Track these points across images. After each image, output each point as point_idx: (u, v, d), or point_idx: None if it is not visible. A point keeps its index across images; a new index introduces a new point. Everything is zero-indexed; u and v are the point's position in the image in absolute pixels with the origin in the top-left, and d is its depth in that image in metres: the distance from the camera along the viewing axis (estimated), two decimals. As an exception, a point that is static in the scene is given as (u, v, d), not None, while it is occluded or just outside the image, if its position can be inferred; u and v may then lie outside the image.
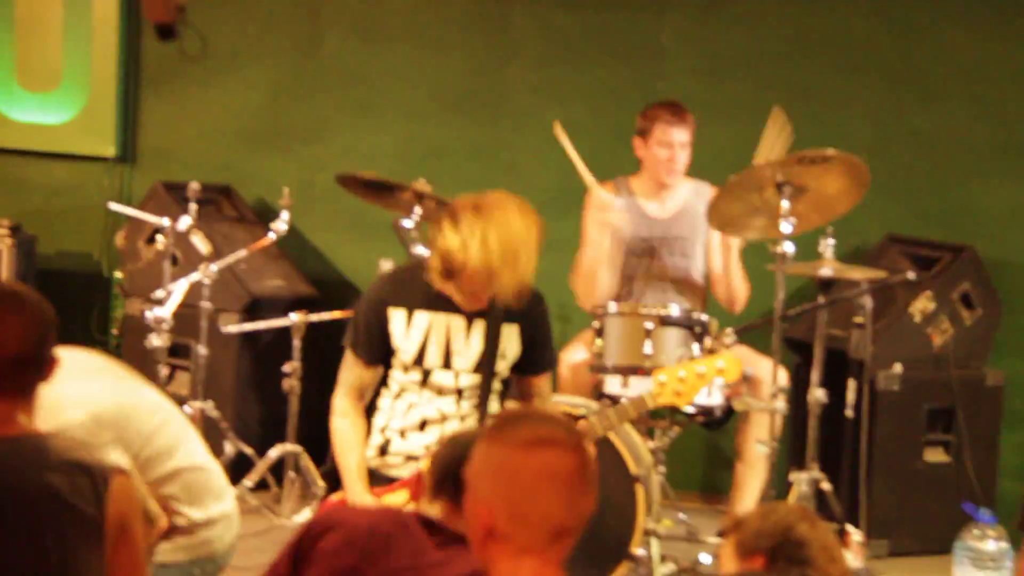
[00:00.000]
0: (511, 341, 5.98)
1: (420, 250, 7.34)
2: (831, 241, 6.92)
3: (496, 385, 6.07)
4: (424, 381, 5.94)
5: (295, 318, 7.94)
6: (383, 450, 5.90)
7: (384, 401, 5.96)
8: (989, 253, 8.35)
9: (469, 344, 5.98)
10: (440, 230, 5.72)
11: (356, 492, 5.89)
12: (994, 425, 8.25)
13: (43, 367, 3.65)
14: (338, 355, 6.44)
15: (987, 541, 7.30)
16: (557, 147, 8.08)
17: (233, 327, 8.41)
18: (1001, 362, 8.41)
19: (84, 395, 4.94)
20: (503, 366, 5.96)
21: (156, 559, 5.18)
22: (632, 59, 9.01)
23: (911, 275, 7.57)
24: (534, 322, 6.09)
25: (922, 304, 8.00)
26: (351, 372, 6.02)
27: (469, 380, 5.95)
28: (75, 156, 9.77)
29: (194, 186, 8.14)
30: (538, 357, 6.11)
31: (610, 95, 8.91)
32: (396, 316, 5.98)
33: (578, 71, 9.20)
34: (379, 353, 5.97)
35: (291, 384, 8.07)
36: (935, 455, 8.06)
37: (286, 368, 8.02)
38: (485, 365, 5.98)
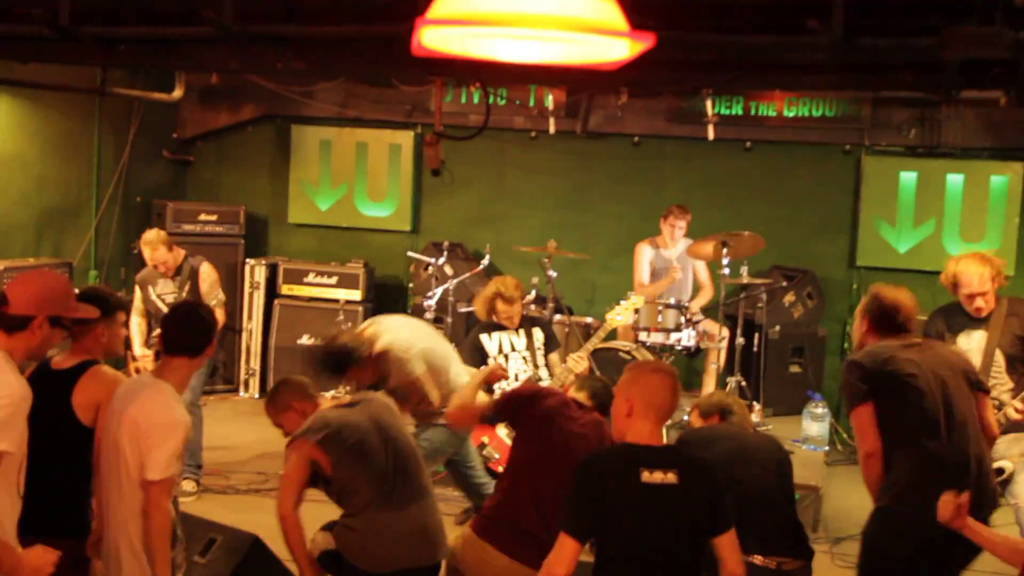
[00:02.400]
0: (537, 332, 8.06)
1: (551, 275, 9.34)
2: (746, 266, 9.32)
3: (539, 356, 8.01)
4: (506, 359, 7.89)
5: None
6: None
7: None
8: (818, 274, 10.60)
9: (520, 339, 8.00)
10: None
11: None
12: (822, 355, 10.51)
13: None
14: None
15: (818, 407, 9.31)
16: (621, 223, 10.78)
17: (464, 308, 10.32)
18: (825, 324, 10.63)
19: (413, 337, 6.77)
20: (539, 343, 8.03)
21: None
22: (647, 181, 11.22)
23: (783, 283, 10.18)
24: (543, 323, 8.33)
25: (789, 297, 10.22)
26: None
27: (525, 352, 7.97)
28: (393, 231, 11.87)
29: (445, 244, 10.63)
30: (552, 340, 8.20)
31: (640, 199, 11.04)
32: (483, 337, 7.99)
33: (620, 188, 11.35)
34: (479, 359, 7.77)
35: None
36: (794, 368, 10.26)
37: None
38: (532, 345, 8.01)
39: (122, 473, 4.42)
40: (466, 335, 10.38)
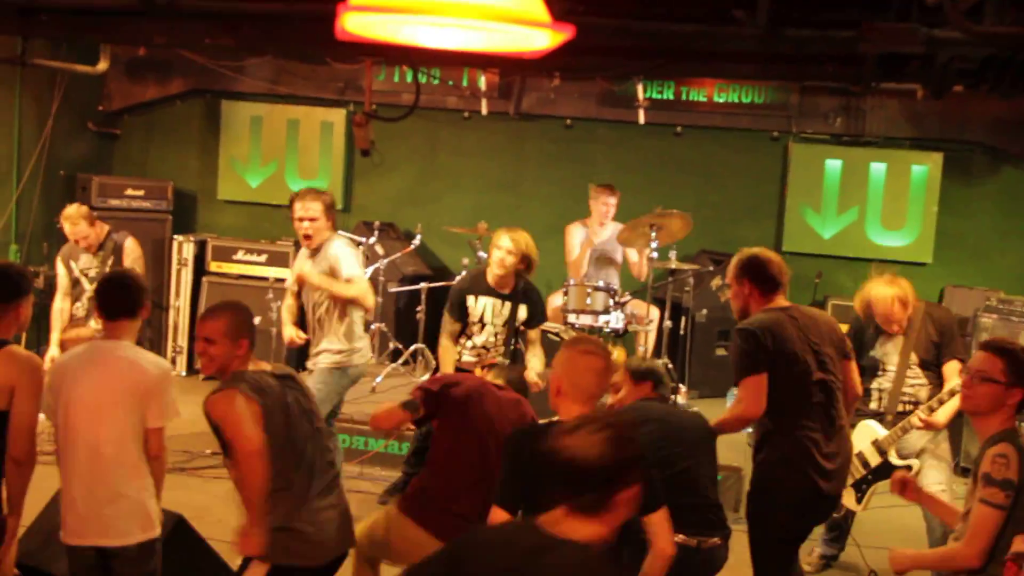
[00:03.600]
0: (522, 311, 7.73)
1: (481, 256, 9.46)
2: (674, 251, 9.18)
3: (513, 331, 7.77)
4: (481, 327, 7.66)
5: (423, 285, 10.06)
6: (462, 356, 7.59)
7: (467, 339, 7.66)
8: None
9: (503, 311, 7.67)
10: (497, 247, 7.57)
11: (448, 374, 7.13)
12: None
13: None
14: (440, 310, 8.50)
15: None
16: (553, 205, 10.70)
17: (394, 288, 10.38)
18: None
19: None
20: (519, 321, 7.76)
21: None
22: (578, 164, 11.18)
23: (710, 268, 10.19)
24: (534, 301, 7.80)
25: (716, 281, 10.25)
26: (448, 325, 7.68)
27: (501, 328, 7.67)
28: None
29: (376, 223, 10.45)
30: (534, 319, 7.84)
31: (571, 181, 10.87)
32: (470, 299, 7.65)
33: (552, 170, 11.40)
34: (461, 316, 7.63)
35: (420, 316, 9.92)
36: (720, 352, 10.24)
37: (418, 309, 9.96)
38: (510, 321, 7.71)
39: (110, 434, 4.58)
40: (395, 316, 10.68)
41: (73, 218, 8.36)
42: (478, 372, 7.08)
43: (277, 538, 4.57)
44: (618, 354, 7.50)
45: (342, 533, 4.89)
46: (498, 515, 4.18)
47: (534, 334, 7.85)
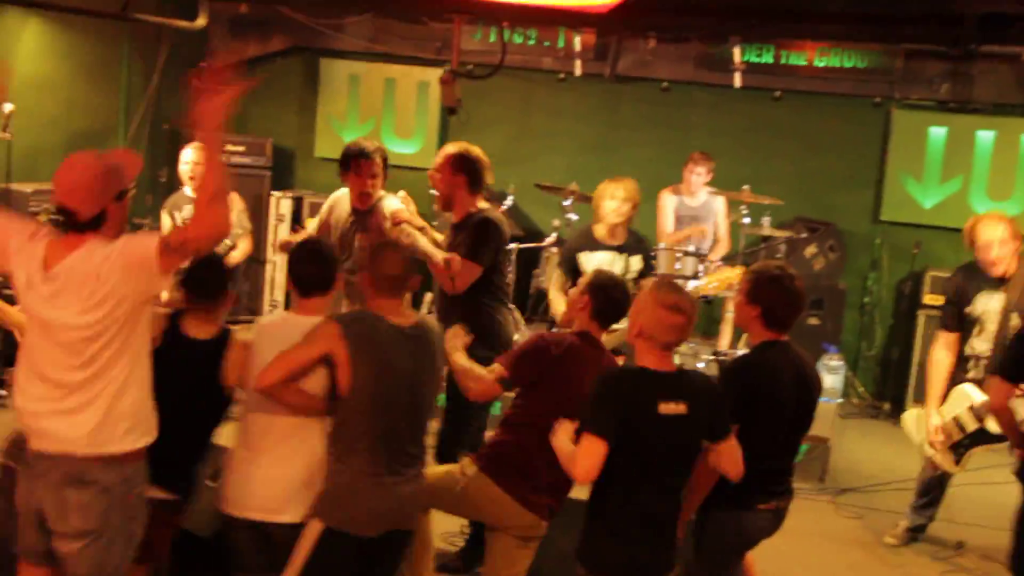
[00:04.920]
0: (635, 261, 7.48)
1: (571, 218, 9.45)
2: (768, 216, 9.25)
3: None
4: None
5: (514, 245, 9.55)
6: None
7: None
8: (841, 227, 10.51)
9: (616, 263, 7.38)
10: (611, 197, 7.32)
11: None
12: (841, 308, 10.35)
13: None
14: (530, 270, 9.17)
15: (833, 360, 9.69)
16: (646, 169, 10.13)
17: None
18: (845, 278, 10.53)
19: None
20: (633, 273, 7.42)
21: None
22: (674, 128, 11.15)
23: (805, 235, 10.10)
24: (647, 251, 7.64)
25: (811, 250, 10.19)
26: (559, 280, 7.52)
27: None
28: (419, 168, 10.73)
29: None
30: (649, 269, 7.59)
31: (666, 145, 10.94)
32: (581, 256, 7.42)
33: (647, 133, 11.31)
34: (574, 275, 7.06)
35: (511, 277, 9.37)
36: (813, 321, 10.02)
37: (509, 270, 9.32)
38: (624, 273, 7.34)
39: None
40: None
41: (195, 155, 8.28)
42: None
43: (337, 499, 4.49)
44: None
45: (406, 510, 4.72)
46: (595, 444, 4.14)
47: (645, 283, 7.45)
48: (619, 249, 7.45)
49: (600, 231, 7.50)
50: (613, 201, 7.34)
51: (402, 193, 6.81)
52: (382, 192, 6.88)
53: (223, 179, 3.99)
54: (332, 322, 4.46)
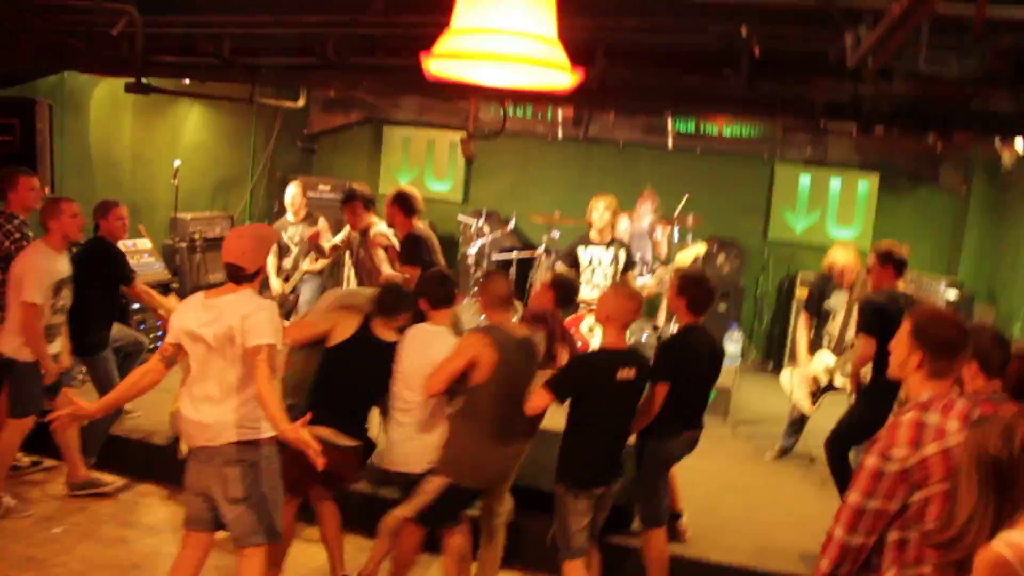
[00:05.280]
0: (622, 253, 7.28)
1: (554, 235, 9.40)
2: (690, 235, 9.38)
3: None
4: (592, 272, 7.15)
5: (514, 253, 9.87)
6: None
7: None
8: (741, 243, 10.43)
9: (606, 255, 7.18)
10: (595, 208, 7.12)
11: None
12: (740, 298, 10.19)
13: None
14: (526, 272, 9.02)
15: (734, 333, 9.66)
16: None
17: (495, 256, 10.14)
18: (744, 277, 10.39)
19: None
20: (620, 263, 7.23)
21: None
22: (628, 173, 10.70)
23: (714, 248, 11.00)
24: (628, 248, 7.40)
25: (721, 258, 10.08)
26: (559, 266, 7.32)
27: (608, 268, 7.14)
28: (450, 201, 11.64)
29: (484, 211, 10.70)
30: (631, 264, 7.36)
31: (622, 186, 9.78)
32: (579, 249, 7.24)
33: (609, 177, 10.79)
34: (573, 263, 7.19)
35: (512, 276, 9.25)
36: (722, 307, 9.82)
37: (510, 271, 9.57)
38: (615, 262, 7.20)
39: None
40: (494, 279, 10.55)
41: (296, 190, 8.39)
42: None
43: (460, 461, 4.40)
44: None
45: (508, 469, 4.63)
46: (544, 398, 4.25)
47: (629, 275, 7.47)
48: (607, 245, 7.34)
49: (592, 234, 7.36)
50: (597, 211, 7.25)
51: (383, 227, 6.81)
52: (374, 219, 6.88)
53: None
54: (479, 333, 4.37)
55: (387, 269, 6.58)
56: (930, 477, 2.62)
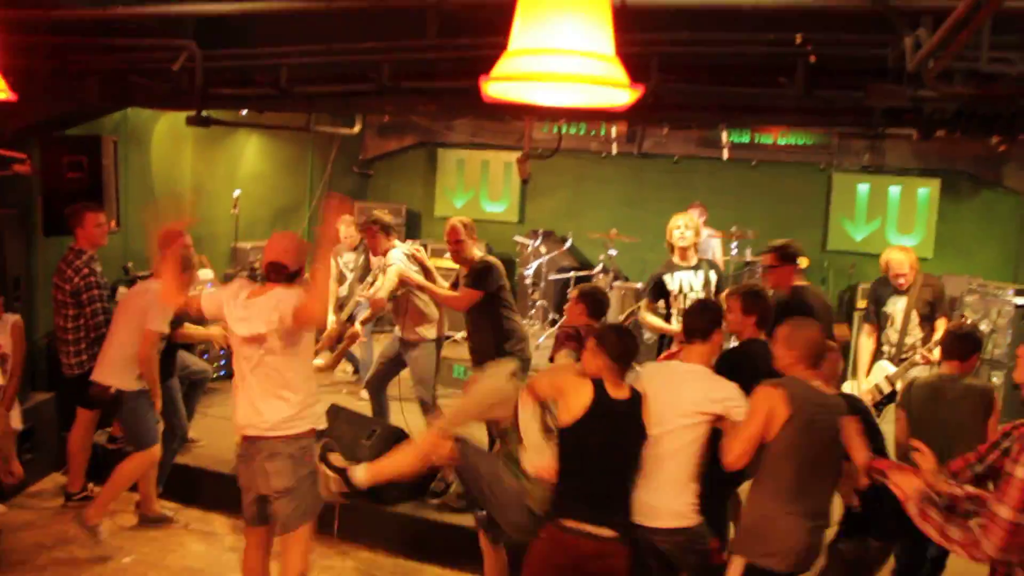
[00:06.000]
0: (712, 274, 6.16)
1: (611, 253, 9.85)
2: (749, 248, 9.36)
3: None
4: (684, 298, 6.03)
5: (572, 274, 10.03)
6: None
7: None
8: None
9: (695, 280, 6.09)
10: (676, 226, 6.09)
11: None
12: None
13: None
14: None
15: None
16: (664, 217, 10.55)
17: (552, 276, 10.20)
18: None
19: None
20: (712, 285, 6.12)
21: None
22: (682, 188, 10.74)
23: None
24: (718, 267, 6.29)
25: None
26: (646, 307, 6.16)
27: (700, 293, 6.04)
28: (505, 222, 11.81)
29: (540, 231, 10.73)
30: (722, 282, 6.21)
31: (677, 200, 10.01)
32: (666, 278, 6.08)
33: (664, 192, 11.02)
34: (661, 296, 6.11)
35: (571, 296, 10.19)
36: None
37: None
38: (707, 286, 6.09)
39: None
40: (554, 298, 10.52)
41: (346, 222, 8.46)
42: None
43: (758, 534, 3.77)
44: None
45: (815, 554, 3.88)
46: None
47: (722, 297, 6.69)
48: (694, 268, 6.25)
49: (675, 257, 6.29)
50: (678, 229, 6.24)
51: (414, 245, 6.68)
52: (396, 242, 6.60)
53: (326, 281, 4.03)
54: (773, 386, 3.75)
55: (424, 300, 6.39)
56: None
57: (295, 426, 4.08)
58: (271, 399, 4.06)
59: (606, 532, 3.73)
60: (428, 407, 6.32)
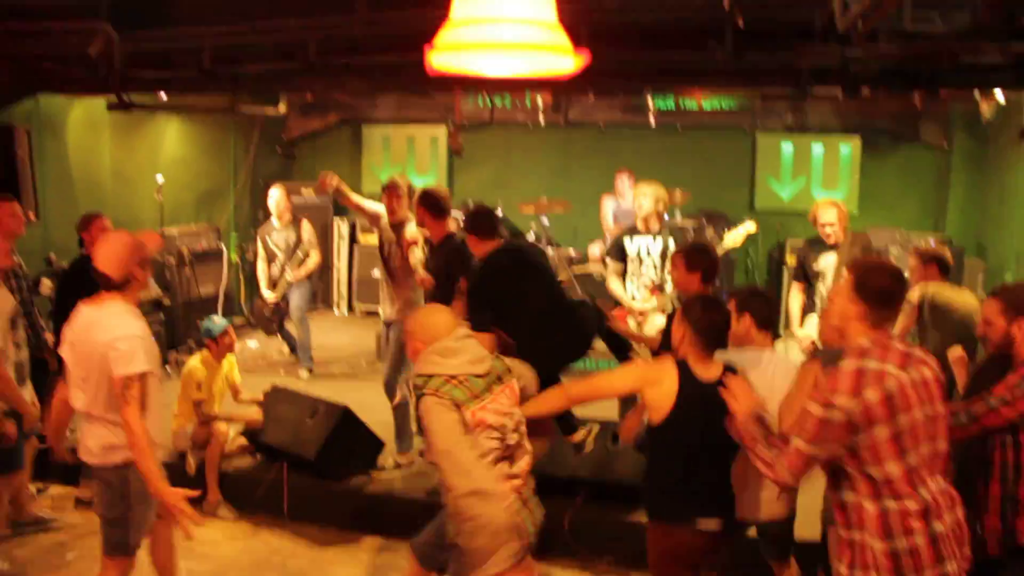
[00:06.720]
0: (671, 241, 6.29)
1: (543, 222, 9.96)
2: (679, 211, 9.58)
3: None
4: (640, 263, 6.29)
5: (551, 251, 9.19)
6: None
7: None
8: (729, 215, 10.23)
9: (655, 245, 6.32)
10: (644, 195, 6.23)
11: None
12: (731, 270, 10.14)
13: None
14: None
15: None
16: (591, 185, 10.45)
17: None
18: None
19: None
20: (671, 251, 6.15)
21: None
22: (609, 156, 10.58)
23: (703, 220, 11.04)
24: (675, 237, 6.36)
25: (709, 232, 9.87)
26: (613, 267, 6.31)
27: (658, 259, 6.30)
28: None
29: (469, 202, 9.78)
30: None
31: (603, 168, 10.12)
32: (626, 240, 6.34)
33: (591, 160, 11.08)
34: (622, 257, 6.31)
35: None
36: None
37: None
38: (665, 252, 6.28)
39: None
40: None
41: (279, 195, 8.34)
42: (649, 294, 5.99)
43: None
44: None
45: None
46: None
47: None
48: (655, 235, 6.38)
49: (639, 223, 6.44)
50: (646, 198, 6.38)
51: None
52: (409, 215, 6.35)
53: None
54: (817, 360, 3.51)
55: (422, 271, 6.10)
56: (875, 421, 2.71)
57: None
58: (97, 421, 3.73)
59: (714, 525, 3.48)
60: (392, 390, 6.17)
